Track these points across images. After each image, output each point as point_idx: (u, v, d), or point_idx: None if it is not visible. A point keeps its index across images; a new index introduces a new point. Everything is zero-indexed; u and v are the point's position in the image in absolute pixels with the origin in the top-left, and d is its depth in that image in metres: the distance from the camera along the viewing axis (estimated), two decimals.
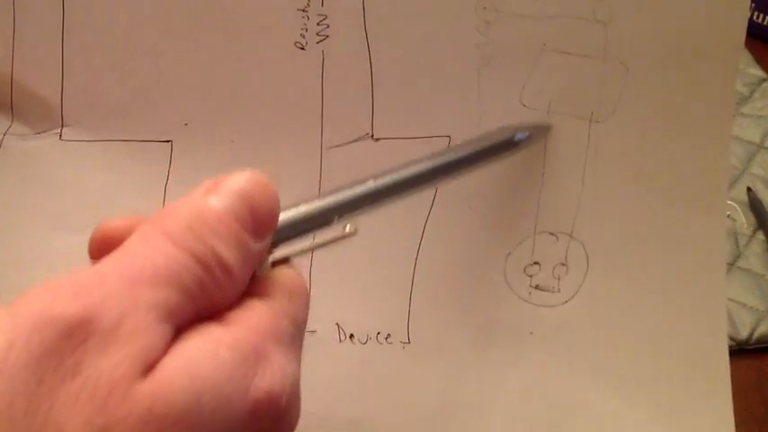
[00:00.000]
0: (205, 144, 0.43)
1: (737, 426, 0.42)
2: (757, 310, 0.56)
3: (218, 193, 0.26)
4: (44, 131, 0.43)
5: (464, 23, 0.42)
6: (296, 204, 0.31)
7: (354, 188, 0.33)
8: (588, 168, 0.43)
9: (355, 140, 0.43)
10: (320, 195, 0.32)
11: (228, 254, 0.25)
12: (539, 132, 0.43)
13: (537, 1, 0.42)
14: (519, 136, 0.41)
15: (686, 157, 0.43)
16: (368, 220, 0.43)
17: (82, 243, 0.42)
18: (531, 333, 0.44)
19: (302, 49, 0.42)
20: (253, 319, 0.25)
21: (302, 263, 0.43)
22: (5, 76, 0.42)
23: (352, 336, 0.43)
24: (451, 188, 0.43)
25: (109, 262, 0.24)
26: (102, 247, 0.26)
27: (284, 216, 0.29)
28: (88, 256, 0.40)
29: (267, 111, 0.43)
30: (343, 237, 0.32)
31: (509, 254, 0.44)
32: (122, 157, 0.43)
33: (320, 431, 0.43)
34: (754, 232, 0.62)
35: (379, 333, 0.43)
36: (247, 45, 0.42)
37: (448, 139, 0.43)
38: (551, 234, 0.44)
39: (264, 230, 0.27)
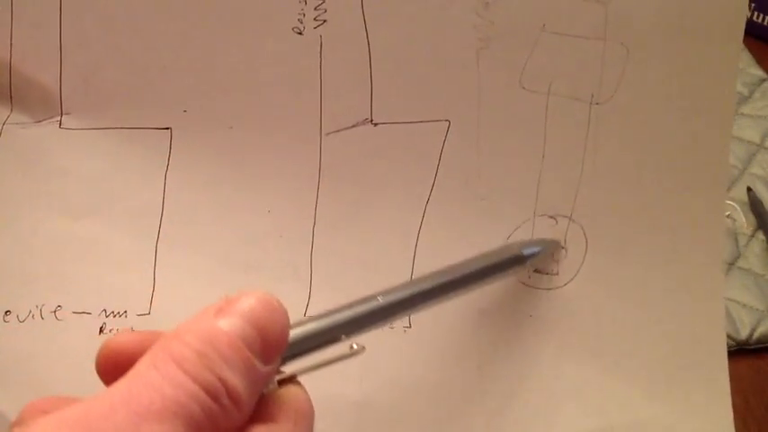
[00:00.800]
0: (204, 131, 0.43)
1: (737, 426, 0.43)
2: (757, 310, 0.57)
3: (228, 316, 0.26)
4: (44, 120, 0.43)
5: (462, 5, 0.42)
6: (305, 321, 0.31)
7: (362, 306, 0.33)
8: (588, 151, 0.43)
9: (354, 126, 0.43)
10: (327, 313, 0.32)
11: (237, 382, 0.25)
12: (548, 248, 0.43)
13: None
14: (527, 251, 0.41)
15: (686, 139, 0.43)
16: (370, 204, 0.43)
17: (82, 230, 0.43)
18: (531, 315, 0.44)
19: (300, 34, 0.42)
20: None
21: (303, 249, 0.43)
22: (4, 64, 0.42)
23: None
24: (451, 172, 0.43)
25: (117, 392, 0.24)
26: (110, 364, 0.27)
27: (293, 333, 0.29)
28: (87, 244, 0.41)
29: (266, 97, 0.43)
30: (351, 355, 0.32)
31: (509, 237, 0.44)
32: (122, 144, 0.43)
33: (324, 414, 0.44)
34: (754, 232, 0.62)
35: None
36: (245, 31, 0.42)
37: (447, 123, 0.43)
38: (551, 217, 0.44)
39: (274, 354, 0.27)
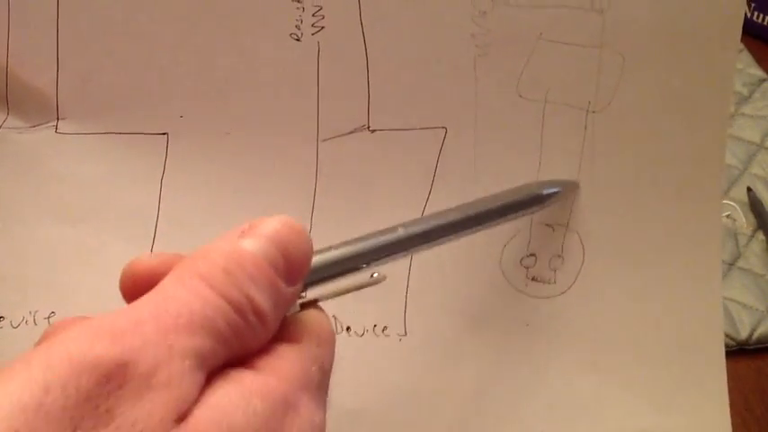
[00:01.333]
0: (201, 136, 0.43)
1: (737, 426, 0.42)
2: (757, 310, 0.56)
3: (252, 237, 0.26)
4: (40, 124, 0.43)
5: (460, 13, 0.42)
6: (327, 249, 0.31)
7: (384, 236, 0.34)
8: (585, 159, 0.43)
9: (351, 132, 0.43)
10: (350, 241, 0.32)
11: (262, 300, 0.25)
12: (568, 188, 0.43)
13: None
14: (547, 191, 0.41)
15: (683, 148, 0.43)
16: (366, 210, 0.43)
17: (77, 235, 0.43)
18: (528, 324, 0.44)
19: (298, 40, 0.42)
20: (284, 366, 0.25)
21: None
22: (1, 68, 0.42)
23: (348, 328, 0.43)
24: (448, 178, 0.43)
25: (145, 305, 0.24)
26: (134, 284, 0.27)
27: (315, 260, 0.29)
28: (82, 249, 0.40)
29: (263, 102, 0.43)
30: (371, 283, 0.32)
31: (505, 245, 0.44)
32: (118, 149, 0.43)
33: None
34: (754, 232, 0.62)
35: (375, 325, 0.43)
36: (243, 36, 0.42)
37: (444, 130, 0.43)
38: (548, 225, 0.44)
39: (297, 276, 0.27)
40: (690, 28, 0.41)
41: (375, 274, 0.32)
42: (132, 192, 0.43)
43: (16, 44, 0.42)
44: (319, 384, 0.26)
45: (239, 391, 0.23)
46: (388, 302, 0.43)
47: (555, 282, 0.44)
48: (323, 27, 0.42)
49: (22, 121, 0.43)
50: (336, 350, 0.42)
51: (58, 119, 0.43)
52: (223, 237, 0.26)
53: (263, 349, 0.26)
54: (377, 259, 0.33)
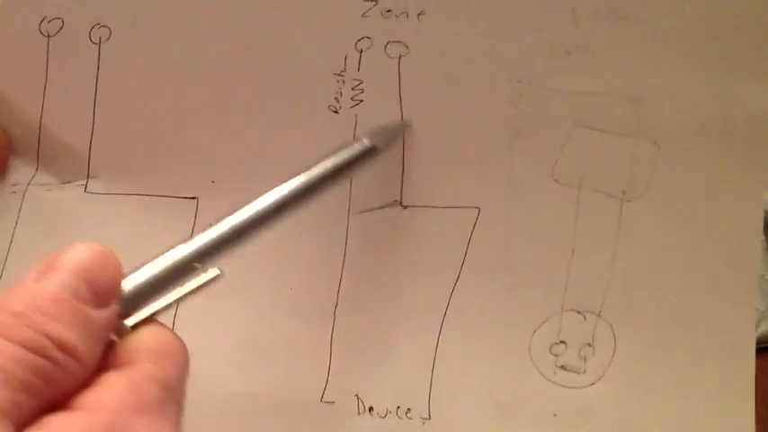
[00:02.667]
0: (231, 203, 0.42)
1: None
2: (757, 310, 0.55)
3: (49, 272, 0.25)
4: (69, 182, 0.42)
5: (498, 95, 0.42)
6: (152, 260, 0.30)
7: (211, 231, 0.32)
8: (619, 248, 0.43)
9: (383, 207, 0.43)
10: (177, 245, 0.31)
11: (66, 333, 0.24)
12: (398, 132, 0.41)
13: (570, 76, 0.42)
14: (379, 142, 0.39)
15: (717, 240, 0.42)
16: (394, 287, 0.42)
17: None
18: (555, 415, 0.42)
19: (336, 112, 0.42)
20: (106, 396, 0.24)
21: (323, 331, 0.42)
22: (34, 123, 0.42)
23: (371, 408, 0.42)
24: (478, 260, 0.43)
25: None
26: None
27: (140, 275, 0.29)
28: None
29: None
30: (208, 283, 0.31)
31: (535, 331, 0.43)
32: (147, 211, 0.42)
33: None
34: (761, 253, 0.60)
35: (399, 407, 0.42)
36: (280, 105, 0.42)
37: (477, 210, 0.43)
38: (579, 312, 0.43)
39: (106, 297, 0.26)
40: (724, 121, 0.42)
41: (211, 272, 0.31)
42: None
43: (52, 100, 0.42)
44: (161, 403, 0.25)
45: None
46: (413, 384, 0.42)
47: (585, 371, 0.43)
48: (362, 101, 0.42)
49: (52, 178, 0.42)
50: (358, 430, 0.41)
51: (88, 177, 0.42)
52: (19, 281, 0.26)
53: (88, 383, 0.25)
54: (209, 257, 0.31)
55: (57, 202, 0.42)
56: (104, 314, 0.26)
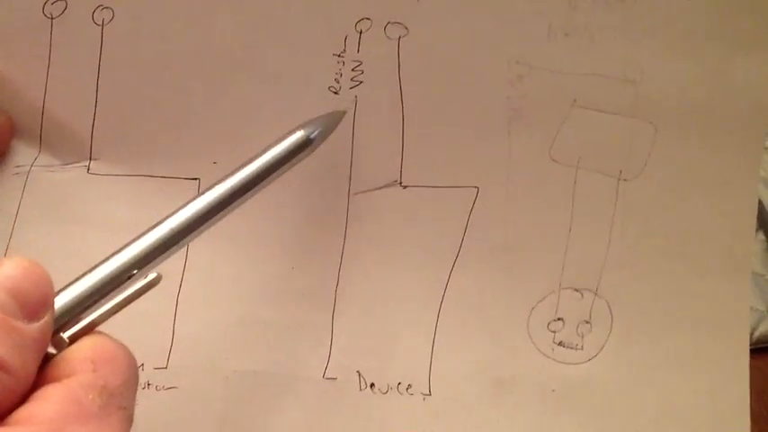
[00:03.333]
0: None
1: None
2: (757, 310, 0.56)
3: None
4: (71, 163, 0.42)
5: (497, 76, 0.42)
6: (88, 271, 0.30)
7: (147, 237, 0.32)
8: (615, 226, 0.43)
9: (383, 187, 0.43)
10: (115, 253, 0.31)
11: None
12: (334, 122, 0.40)
13: (569, 58, 0.42)
14: (314, 133, 0.38)
15: (712, 220, 0.43)
16: (394, 266, 0.43)
17: None
18: (554, 390, 0.43)
19: (336, 93, 0.42)
20: (43, 408, 0.24)
21: (325, 309, 0.42)
22: (37, 105, 0.42)
23: (372, 385, 0.42)
24: (477, 239, 0.43)
25: None
26: None
27: (76, 288, 0.29)
28: None
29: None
30: (146, 288, 0.31)
31: (533, 308, 0.43)
32: (149, 192, 0.42)
33: None
34: (755, 232, 0.61)
35: (399, 383, 0.42)
36: (281, 87, 0.42)
37: (476, 189, 0.43)
38: (576, 290, 0.43)
39: (37, 310, 0.26)
40: (721, 102, 0.42)
41: (149, 276, 0.31)
42: None
43: (55, 81, 0.42)
44: (102, 409, 0.25)
45: None
46: (414, 361, 0.42)
47: (582, 348, 0.43)
48: (361, 82, 0.42)
49: (54, 159, 0.43)
50: (359, 406, 0.41)
51: (90, 159, 0.42)
52: None
53: (26, 398, 0.25)
54: (146, 264, 0.31)
55: (59, 184, 0.42)
56: (36, 327, 0.26)
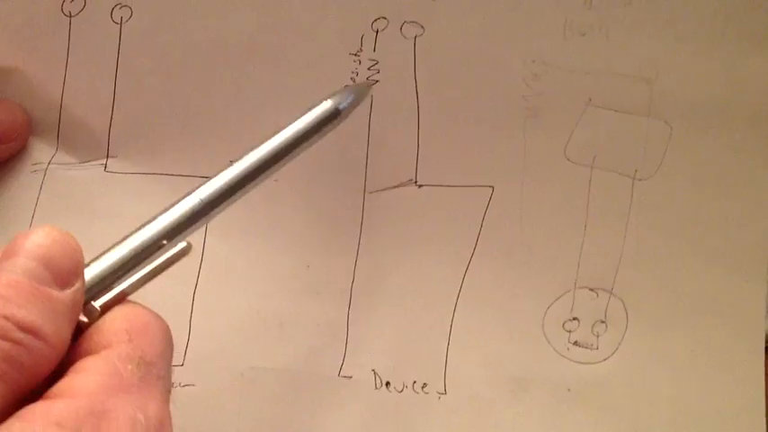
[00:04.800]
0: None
1: None
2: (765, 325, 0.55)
3: (6, 258, 0.25)
4: (89, 161, 0.43)
5: (512, 75, 0.42)
6: (119, 242, 0.30)
7: (178, 207, 0.32)
8: (630, 226, 0.43)
9: (399, 186, 0.43)
10: (145, 223, 0.31)
11: (26, 314, 0.24)
12: (361, 93, 0.39)
13: (584, 57, 0.42)
14: (343, 105, 0.37)
15: (728, 218, 0.43)
16: (410, 264, 0.43)
17: None
18: (569, 390, 0.43)
19: None
20: (83, 380, 0.24)
21: (340, 307, 0.42)
22: (55, 103, 0.42)
23: (388, 383, 0.42)
24: (492, 238, 0.43)
25: None
26: None
27: (107, 258, 0.29)
28: None
29: (313, 152, 0.43)
30: (177, 257, 0.31)
31: (548, 308, 0.43)
32: (166, 191, 0.43)
33: None
34: None
35: (415, 382, 0.42)
36: (298, 86, 0.43)
37: (491, 189, 0.43)
38: (591, 290, 0.43)
39: (68, 277, 0.26)
40: (735, 102, 0.42)
41: (180, 245, 0.31)
42: None
43: (73, 79, 0.42)
44: (142, 380, 0.25)
45: (32, 426, 0.22)
46: (429, 359, 0.42)
47: (598, 347, 0.43)
48: (377, 81, 0.43)
49: (72, 157, 0.43)
50: (375, 404, 0.41)
51: (107, 157, 0.43)
52: None
53: (65, 370, 0.25)
54: (175, 234, 0.31)
55: (77, 182, 0.42)
56: (68, 294, 0.26)
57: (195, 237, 0.41)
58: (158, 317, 0.28)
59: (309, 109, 0.37)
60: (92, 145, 0.43)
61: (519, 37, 0.42)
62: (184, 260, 0.41)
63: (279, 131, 0.35)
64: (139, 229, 0.31)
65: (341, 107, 0.37)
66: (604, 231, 0.43)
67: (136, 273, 0.30)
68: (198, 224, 0.32)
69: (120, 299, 0.28)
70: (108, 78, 0.42)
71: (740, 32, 0.42)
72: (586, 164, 0.43)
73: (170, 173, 0.43)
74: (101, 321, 0.27)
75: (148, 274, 0.30)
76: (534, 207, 0.43)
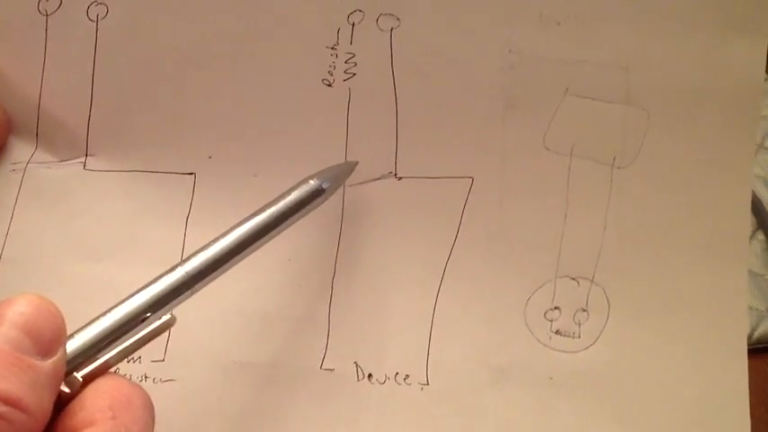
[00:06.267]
0: (228, 178, 0.43)
1: None
2: (757, 310, 0.55)
3: None
4: (68, 160, 0.43)
5: (490, 65, 0.43)
6: (103, 313, 0.30)
7: (163, 281, 0.33)
8: (610, 214, 0.43)
9: (378, 178, 0.43)
10: (130, 296, 0.32)
11: (11, 386, 0.24)
12: (345, 173, 0.42)
13: (561, 46, 0.42)
14: (326, 184, 0.40)
15: (707, 205, 0.43)
16: (390, 257, 0.43)
17: (101, 272, 0.42)
18: (551, 378, 0.43)
19: (329, 86, 0.43)
20: None
21: (321, 300, 0.42)
22: (33, 102, 0.42)
23: (370, 375, 0.42)
24: (473, 229, 0.43)
25: None
26: None
27: (91, 329, 0.29)
28: (106, 286, 0.40)
29: (291, 146, 0.43)
30: (160, 330, 0.31)
31: (530, 297, 0.43)
32: (145, 188, 0.43)
33: None
34: (754, 232, 0.61)
35: (397, 373, 0.42)
36: (275, 80, 0.43)
37: (471, 179, 0.43)
38: (572, 279, 0.43)
39: (50, 345, 0.26)
40: (713, 87, 0.42)
41: (164, 318, 0.31)
42: (158, 230, 0.42)
43: (51, 79, 0.42)
44: None
45: None
46: (411, 351, 0.43)
47: (579, 336, 0.43)
48: (354, 74, 0.43)
49: (51, 156, 0.43)
50: (357, 397, 0.41)
51: (86, 155, 0.43)
52: None
53: None
54: (160, 308, 0.32)
55: (56, 180, 0.42)
56: (49, 364, 0.26)
57: (176, 229, 0.42)
58: (139, 388, 0.28)
59: (295, 188, 0.39)
60: (71, 143, 0.43)
61: (495, 27, 0.42)
62: (167, 255, 0.41)
63: (265, 208, 0.37)
64: (124, 301, 0.31)
65: (324, 186, 0.39)
66: (584, 220, 0.43)
67: (119, 344, 0.30)
68: (182, 297, 0.33)
69: (103, 370, 0.29)
70: (85, 76, 0.42)
71: (717, 19, 0.42)
72: (565, 153, 0.43)
73: (149, 170, 0.43)
74: (84, 395, 0.27)
75: (131, 345, 0.30)
76: (514, 197, 0.43)
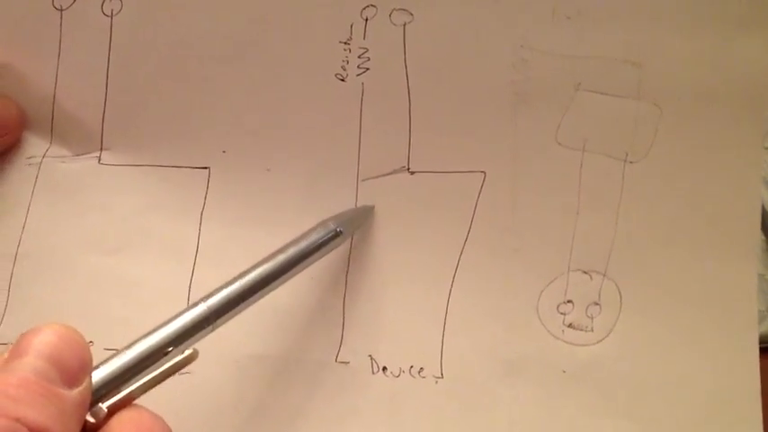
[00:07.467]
0: (242, 172, 0.43)
1: None
2: (758, 310, 0.55)
3: (18, 357, 0.26)
4: (83, 154, 0.43)
5: (502, 60, 0.43)
6: (127, 346, 0.31)
7: (183, 317, 0.33)
8: (622, 208, 0.43)
9: (391, 173, 0.43)
10: (153, 330, 0.32)
11: (37, 414, 0.24)
12: (362, 216, 0.43)
13: (573, 41, 0.43)
14: (341, 228, 0.41)
15: (718, 201, 0.43)
16: (404, 252, 0.43)
17: (116, 265, 0.42)
18: (564, 372, 0.43)
19: (342, 80, 0.43)
20: None
21: (335, 294, 0.42)
22: (48, 97, 0.42)
23: (385, 368, 0.43)
24: (485, 223, 0.43)
25: None
26: None
27: (117, 361, 0.30)
28: (120, 279, 0.40)
29: (305, 140, 0.43)
30: (183, 364, 0.32)
31: (542, 291, 0.44)
32: (160, 181, 0.43)
33: None
34: (761, 211, 0.61)
35: (412, 366, 0.43)
36: (288, 74, 0.43)
37: (483, 174, 0.43)
38: (585, 272, 0.44)
39: (77, 375, 0.26)
40: (725, 83, 0.42)
41: (187, 353, 0.32)
42: (172, 224, 0.43)
43: (65, 73, 0.42)
44: None
45: None
46: (425, 344, 0.43)
47: (592, 329, 0.43)
48: (368, 69, 0.43)
49: (66, 150, 0.43)
50: (372, 390, 0.41)
51: (101, 149, 0.43)
52: None
53: None
54: (181, 342, 0.32)
55: (71, 174, 0.43)
56: (76, 393, 0.26)
57: (190, 223, 0.42)
58: (161, 421, 0.28)
59: (314, 230, 0.40)
60: (85, 138, 0.43)
61: (507, 22, 0.42)
62: (181, 249, 0.41)
63: (286, 248, 0.38)
64: (147, 334, 0.32)
65: (341, 230, 0.40)
66: (596, 214, 0.43)
67: (143, 377, 0.30)
68: (203, 332, 0.33)
69: (127, 402, 0.29)
70: (100, 71, 0.42)
71: (727, 15, 0.42)
72: (577, 148, 0.43)
73: (164, 164, 0.43)
74: (109, 426, 0.27)
75: (154, 378, 0.31)
76: (526, 192, 0.43)
